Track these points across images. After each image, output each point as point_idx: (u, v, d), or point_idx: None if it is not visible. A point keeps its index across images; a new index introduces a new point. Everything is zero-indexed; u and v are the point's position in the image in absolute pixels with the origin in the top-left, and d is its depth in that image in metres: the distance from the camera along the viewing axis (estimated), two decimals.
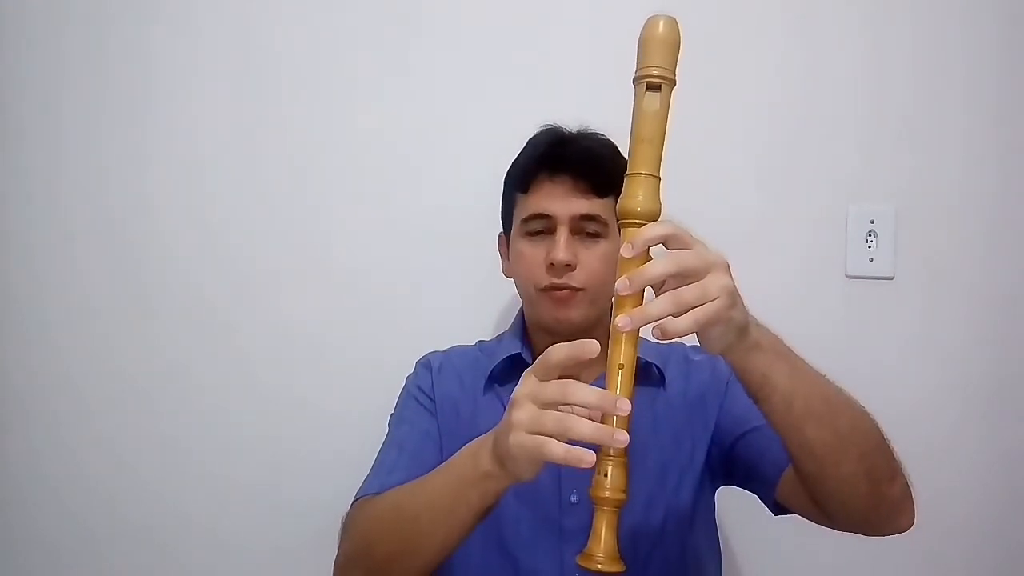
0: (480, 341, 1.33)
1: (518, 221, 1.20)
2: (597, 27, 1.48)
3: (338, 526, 1.08)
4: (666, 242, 0.79)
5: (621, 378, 0.78)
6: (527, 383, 0.80)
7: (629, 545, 0.82)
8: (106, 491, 1.53)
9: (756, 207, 1.47)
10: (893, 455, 0.93)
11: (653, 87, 0.81)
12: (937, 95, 1.45)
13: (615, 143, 1.18)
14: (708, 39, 1.36)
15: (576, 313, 1.15)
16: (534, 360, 0.82)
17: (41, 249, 1.56)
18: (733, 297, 0.78)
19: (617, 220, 0.83)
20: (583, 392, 0.76)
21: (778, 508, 1.08)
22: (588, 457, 0.75)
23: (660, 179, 0.82)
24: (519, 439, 0.78)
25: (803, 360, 0.88)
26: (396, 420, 1.21)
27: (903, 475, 0.94)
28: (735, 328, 0.80)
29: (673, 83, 0.82)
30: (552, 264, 1.13)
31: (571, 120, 1.23)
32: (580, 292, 1.14)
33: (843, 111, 1.46)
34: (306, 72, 1.53)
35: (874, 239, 1.44)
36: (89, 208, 1.55)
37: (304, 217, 1.53)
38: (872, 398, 0.93)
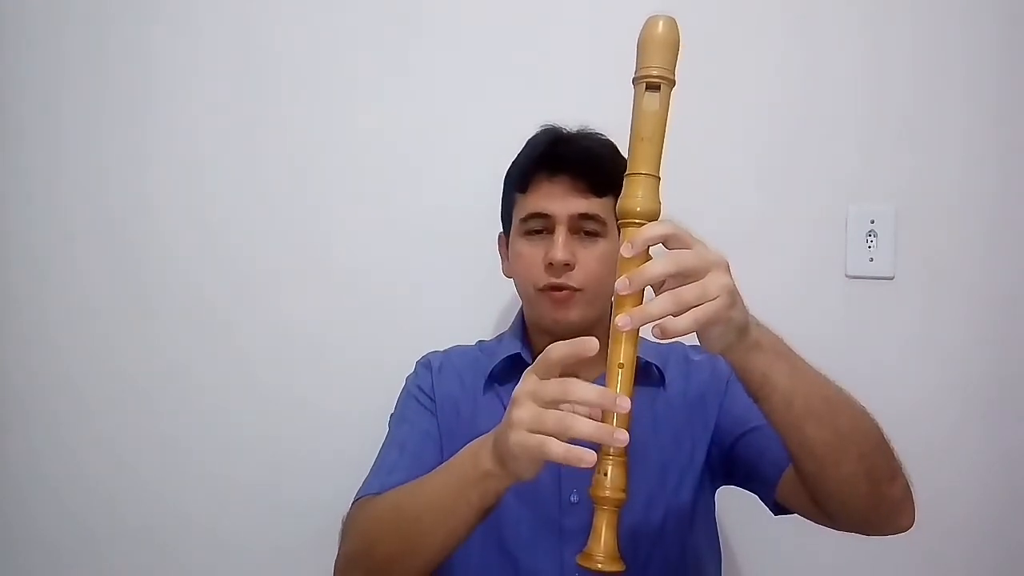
0: (480, 341, 1.33)
1: (517, 221, 1.20)
2: (597, 27, 1.48)
3: (338, 526, 1.08)
4: (666, 242, 0.80)
5: (621, 377, 0.78)
6: (528, 381, 0.80)
7: (629, 545, 0.82)
8: (106, 491, 1.53)
9: (756, 207, 1.47)
10: (893, 455, 0.93)
11: (652, 87, 0.82)
12: (937, 95, 1.45)
13: (614, 143, 1.18)
14: (708, 39, 1.36)
15: (574, 313, 1.15)
16: (534, 360, 0.82)
17: (41, 249, 1.56)
18: (733, 296, 0.78)
19: (617, 220, 0.83)
20: (583, 389, 0.76)
21: (778, 508, 1.08)
22: (588, 456, 0.75)
23: (660, 179, 0.82)
24: (519, 438, 0.78)
25: (803, 360, 0.88)
26: (396, 420, 1.21)
27: (903, 475, 0.94)
28: (735, 327, 0.80)
29: (672, 83, 0.82)
30: (551, 264, 1.13)
31: (571, 120, 1.23)
32: (579, 292, 1.14)
33: (843, 111, 1.46)
34: (306, 72, 1.53)
35: (874, 239, 1.44)
36: (89, 208, 1.55)
37: (304, 217, 1.53)
38: (872, 398, 0.93)
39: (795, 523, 1.06)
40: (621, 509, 0.79)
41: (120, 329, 1.54)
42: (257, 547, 1.51)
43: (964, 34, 1.44)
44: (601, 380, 0.79)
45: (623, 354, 0.78)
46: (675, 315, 0.76)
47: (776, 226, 1.47)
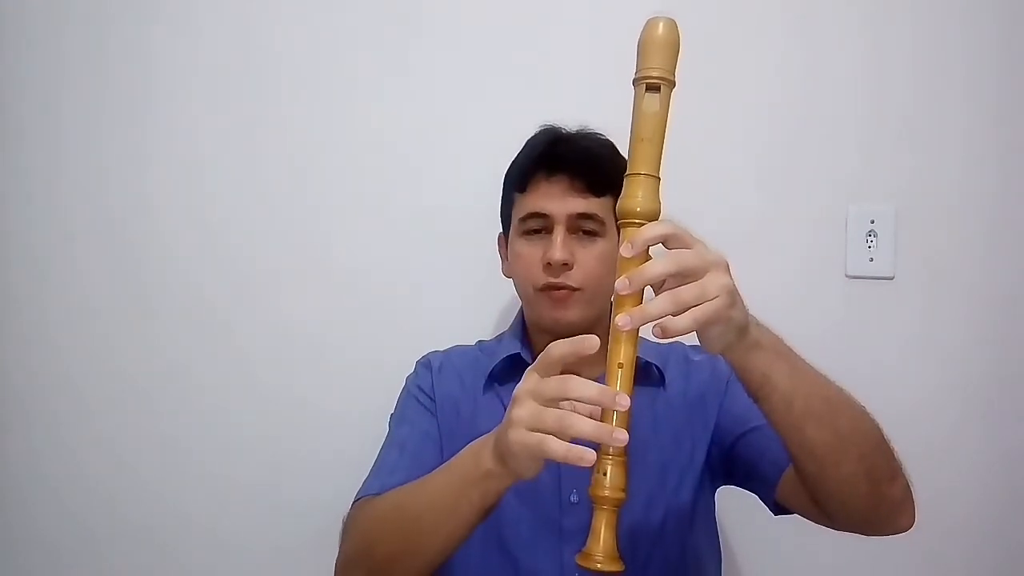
0: (480, 341, 1.33)
1: (516, 220, 1.20)
2: (597, 27, 1.48)
3: (338, 526, 1.08)
4: (666, 242, 0.80)
5: (621, 377, 0.78)
6: (529, 379, 0.80)
7: (629, 545, 0.82)
8: (106, 491, 1.53)
9: (756, 207, 1.47)
10: (893, 455, 0.93)
11: (653, 88, 0.82)
12: (937, 95, 1.45)
13: (614, 143, 1.18)
14: (708, 39, 1.36)
15: (573, 313, 1.15)
16: (533, 360, 0.82)
17: (41, 249, 1.56)
18: (732, 296, 0.79)
19: (617, 220, 0.83)
20: (583, 387, 0.77)
21: (778, 508, 1.08)
22: (588, 455, 0.75)
23: (660, 179, 0.82)
24: (519, 436, 0.78)
25: (803, 360, 0.88)
26: (396, 420, 1.21)
27: (903, 475, 0.94)
28: (735, 327, 0.80)
29: (672, 84, 0.83)
30: (549, 264, 1.13)
31: (571, 120, 1.23)
32: (577, 292, 1.14)
33: (843, 111, 1.46)
34: (306, 72, 1.53)
35: (874, 239, 1.44)
36: (89, 208, 1.55)
37: (304, 217, 1.53)
38: (872, 398, 0.93)
39: (795, 523, 1.06)
40: (620, 509, 0.79)
41: (120, 329, 1.54)
42: (257, 547, 1.51)
43: (964, 34, 1.44)
44: (601, 379, 0.79)
45: (623, 354, 0.79)
46: (674, 315, 0.76)
47: (776, 226, 1.47)
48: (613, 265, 0.81)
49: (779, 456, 1.01)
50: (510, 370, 1.19)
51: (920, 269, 1.44)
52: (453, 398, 1.20)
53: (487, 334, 1.41)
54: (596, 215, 1.15)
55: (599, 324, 1.14)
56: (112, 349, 1.54)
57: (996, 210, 1.44)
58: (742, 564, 1.46)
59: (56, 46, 1.56)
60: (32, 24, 1.56)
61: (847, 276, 1.46)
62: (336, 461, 1.43)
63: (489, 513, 0.88)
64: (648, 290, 0.79)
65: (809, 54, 1.47)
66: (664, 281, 0.79)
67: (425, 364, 1.26)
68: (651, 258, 0.80)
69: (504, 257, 1.27)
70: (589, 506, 0.80)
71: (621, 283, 0.78)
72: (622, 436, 0.76)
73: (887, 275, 1.45)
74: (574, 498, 1.10)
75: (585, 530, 0.80)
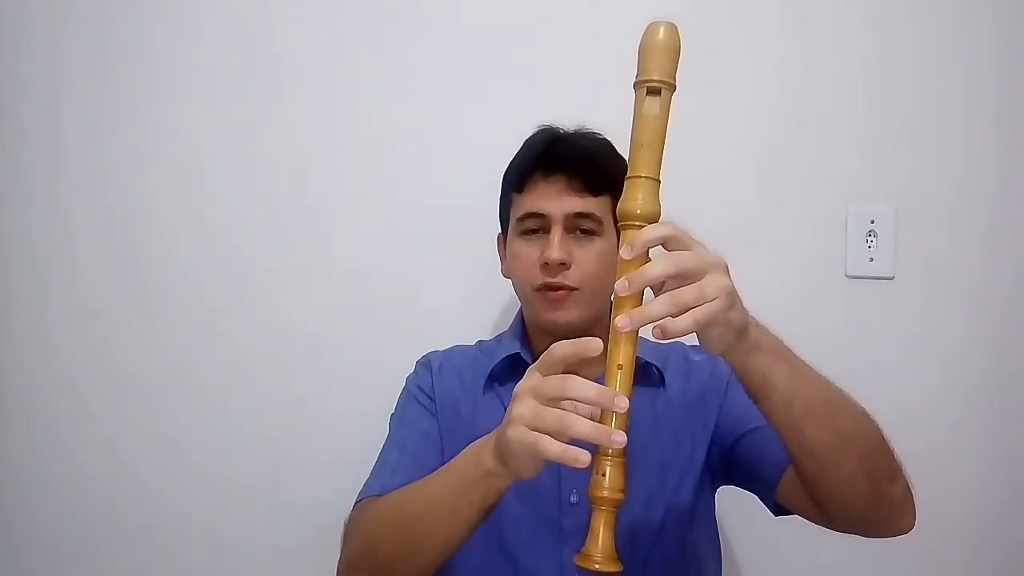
0: (480, 341, 1.33)
1: (514, 221, 1.20)
2: (597, 27, 1.48)
3: (338, 526, 1.08)
4: (665, 243, 0.80)
5: (620, 378, 0.78)
6: (530, 378, 0.81)
7: (629, 544, 0.82)
8: (106, 491, 1.53)
9: (756, 207, 1.47)
10: (893, 456, 0.93)
11: (653, 92, 0.82)
12: (937, 95, 1.45)
13: (611, 142, 1.18)
14: (708, 39, 1.36)
15: (571, 313, 1.15)
16: (533, 360, 0.82)
17: (41, 249, 1.56)
18: (732, 298, 0.79)
19: (617, 222, 0.83)
20: (582, 387, 0.77)
21: (779, 509, 1.08)
22: (583, 457, 0.75)
23: (660, 182, 0.82)
24: (518, 434, 0.78)
25: (803, 361, 0.88)
26: (397, 421, 1.21)
27: (904, 477, 0.94)
28: (734, 329, 0.80)
29: (673, 88, 0.83)
30: (546, 263, 1.13)
31: (571, 120, 1.23)
32: (575, 292, 1.14)
33: (843, 111, 1.46)
34: (306, 72, 1.53)
35: (874, 239, 1.44)
36: (89, 208, 1.55)
37: (304, 217, 1.53)
38: (872, 398, 0.93)
39: (795, 523, 1.06)
40: (619, 510, 0.80)
41: (120, 329, 1.54)
42: (257, 547, 1.51)
43: (964, 34, 1.44)
44: (601, 379, 0.79)
45: (622, 355, 0.79)
46: (674, 316, 0.77)
47: (776, 226, 1.47)
48: (611, 264, 0.81)
49: (779, 457, 1.01)
50: (510, 370, 1.19)
51: (920, 269, 1.44)
52: (453, 398, 1.20)
53: (487, 334, 1.41)
54: (594, 214, 1.15)
55: (598, 324, 1.14)
56: (112, 349, 1.54)
57: (996, 210, 1.43)
58: (742, 564, 1.46)
59: (56, 46, 1.56)
60: (32, 24, 1.56)
61: (847, 276, 1.46)
62: (336, 461, 1.43)
63: (490, 513, 0.88)
64: (648, 292, 0.80)
65: (809, 54, 1.47)
66: (664, 283, 0.79)
67: (425, 364, 1.26)
68: (651, 260, 0.80)
69: (503, 257, 1.27)
70: (589, 506, 0.80)
71: (621, 285, 0.79)
72: (620, 438, 0.76)
73: (887, 275, 1.45)
74: (574, 498, 1.10)
75: (585, 530, 0.80)
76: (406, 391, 1.25)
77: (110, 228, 1.55)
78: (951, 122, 1.44)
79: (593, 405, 0.77)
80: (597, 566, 0.78)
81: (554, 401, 0.78)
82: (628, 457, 0.79)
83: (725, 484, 1.19)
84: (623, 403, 0.77)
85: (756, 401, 0.87)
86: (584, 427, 0.76)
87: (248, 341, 1.53)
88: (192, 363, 1.53)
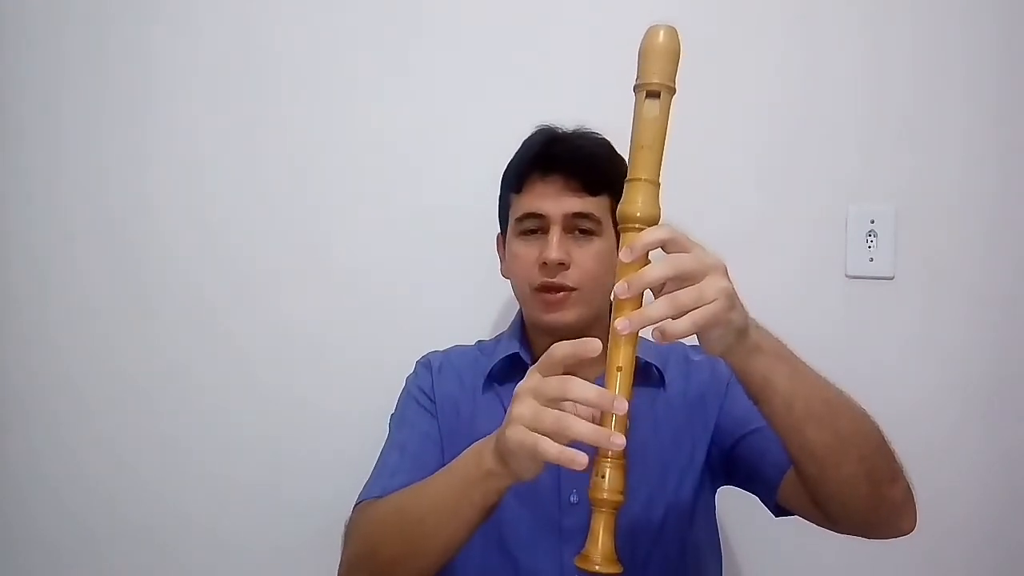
0: (480, 341, 1.33)
1: (512, 221, 1.20)
2: (597, 27, 1.48)
3: (338, 526, 1.08)
4: (664, 246, 0.80)
5: (619, 381, 0.79)
6: (531, 378, 0.81)
7: (629, 544, 0.82)
8: (106, 491, 1.53)
9: (756, 207, 1.47)
10: (894, 457, 0.93)
11: (653, 95, 0.82)
12: (937, 95, 1.44)
13: (610, 142, 1.18)
14: (708, 39, 1.36)
15: (570, 314, 1.15)
16: (532, 360, 0.82)
17: (41, 249, 1.56)
18: (731, 299, 0.79)
19: (617, 225, 0.84)
20: (582, 388, 0.77)
21: (779, 510, 1.08)
22: (580, 459, 0.75)
23: (659, 185, 0.82)
24: (517, 434, 0.78)
25: (803, 362, 0.88)
26: (397, 422, 1.22)
27: (904, 478, 0.94)
28: (734, 330, 0.80)
29: (673, 91, 0.83)
30: (545, 263, 1.13)
31: (571, 120, 1.23)
32: (574, 292, 1.14)
33: (843, 111, 1.46)
34: (306, 72, 1.53)
35: (874, 239, 1.44)
36: (89, 208, 1.55)
37: (304, 217, 1.53)
38: (872, 398, 0.93)
39: (795, 523, 1.06)
40: (619, 511, 0.80)
41: (120, 329, 1.54)
42: (257, 547, 1.51)
43: (964, 34, 1.44)
44: (601, 380, 0.80)
45: (622, 357, 0.79)
46: (674, 318, 0.77)
47: (776, 226, 1.47)
48: (610, 264, 0.81)
49: (780, 458, 1.00)
50: (509, 370, 1.19)
51: (920, 269, 1.44)
52: (453, 398, 1.20)
53: (487, 334, 1.41)
54: (592, 214, 1.15)
55: (597, 323, 1.14)
56: (112, 349, 1.54)
57: (996, 210, 1.43)
58: (742, 564, 1.46)
59: (56, 46, 1.56)
60: (32, 24, 1.56)
61: (847, 276, 1.46)
62: (336, 461, 1.43)
63: (491, 513, 0.88)
64: (648, 294, 0.80)
65: (809, 54, 1.47)
66: (664, 285, 0.79)
67: (425, 364, 1.26)
68: (650, 263, 0.80)
69: (502, 258, 1.27)
70: (589, 506, 0.80)
71: (620, 287, 0.79)
72: (619, 441, 0.76)
73: (887, 275, 1.45)
74: (574, 498, 1.11)
75: (585, 530, 0.80)
76: (406, 391, 1.25)
77: (110, 228, 1.55)
78: (951, 122, 1.44)
79: (593, 407, 0.77)
80: (597, 568, 0.78)
81: (554, 402, 0.78)
82: (628, 458, 0.80)
83: (725, 484, 1.19)
84: (623, 406, 0.77)
85: (756, 403, 0.87)
86: (583, 429, 0.76)
87: (248, 341, 1.53)
88: (192, 363, 1.53)
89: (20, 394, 1.56)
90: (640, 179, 0.82)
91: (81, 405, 1.54)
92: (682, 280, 0.78)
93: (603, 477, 0.78)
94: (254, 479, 1.51)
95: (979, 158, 1.43)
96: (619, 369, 0.79)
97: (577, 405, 0.78)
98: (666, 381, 1.18)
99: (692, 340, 0.82)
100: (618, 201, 0.84)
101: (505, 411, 0.82)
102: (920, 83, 1.45)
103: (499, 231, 1.28)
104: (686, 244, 0.80)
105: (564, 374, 0.80)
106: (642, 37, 0.83)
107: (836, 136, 1.46)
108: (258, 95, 1.54)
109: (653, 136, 0.82)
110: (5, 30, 1.57)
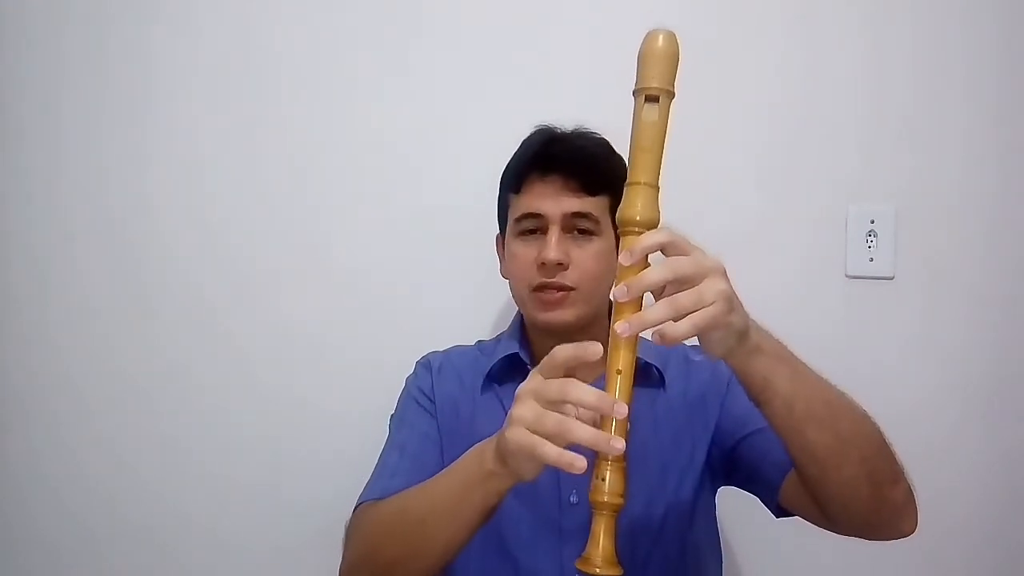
0: (480, 341, 1.33)
1: (511, 221, 1.20)
2: (597, 27, 1.48)
3: (338, 526, 1.09)
4: (664, 249, 0.80)
5: (619, 384, 0.79)
6: (532, 380, 0.81)
7: (629, 544, 0.83)
8: (106, 491, 1.53)
9: (756, 207, 1.47)
10: (895, 458, 0.93)
11: (652, 99, 0.83)
12: (937, 95, 1.44)
13: (609, 142, 1.18)
14: (708, 39, 1.36)
15: (568, 314, 1.14)
16: (531, 360, 0.82)
17: (41, 249, 1.56)
18: (730, 302, 0.79)
19: (617, 228, 0.84)
20: (582, 391, 0.77)
21: (780, 511, 1.08)
22: (579, 463, 0.75)
23: (659, 189, 0.83)
24: (518, 435, 0.78)
25: (804, 364, 0.88)
26: (397, 422, 1.22)
27: (905, 480, 0.94)
28: (735, 332, 0.80)
29: (672, 95, 0.83)
30: (543, 263, 1.13)
31: (570, 121, 1.23)
32: (573, 292, 1.14)
33: (843, 111, 1.46)
34: (306, 72, 1.53)
35: (874, 239, 1.44)
36: (89, 208, 1.55)
37: (304, 217, 1.53)
38: (872, 398, 0.93)
39: (795, 523, 1.06)
40: (619, 514, 0.80)
41: (120, 329, 1.54)
42: (257, 547, 1.51)
43: (964, 34, 1.44)
44: (601, 382, 0.80)
45: (622, 360, 0.79)
46: (673, 321, 0.77)
47: (776, 226, 1.47)
48: (609, 264, 0.82)
49: (781, 459, 1.00)
50: (508, 370, 1.19)
51: (920, 269, 1.44)
52: (453, 398, 1.20)
53: (487, 334, 1.41)
54: (591, 214, 1.15)
55: (596, 323, 1.15)
56: (112, 349, 1.54)
57: (996, 210, 1.43)
58: (742, 564, 1.46)
59: (56, 46, 1.56)
60: (32, 24, 1.56)
61: (847, 276, 1.46)
62: (336, 461, 1.43)
63: (491, 514, 0.88)
64: (648, 297, 0.80)
65: (809, 54, 1.47)
66: (664, 288, 0.79)
67: (425, 365, 1.26)
68: (650, 266, 0.80)
69: (502, 258, 1.27)
70: (588, 507, 0.80)
71: (620, 290, 0.79)
72: (619, 444, 0.76)
73: (887, 275, 1.45)
74: (574, 499, 1.11)
75: (585, 530, 0.80)
76: (406, 392, 1.25)
77: (110, 228, 1.55)
78: (951, 122, 1.44)
79: (593, 411, 0.77)
80: (598, 570, 0.78)
81: (555, 404, 0.78)
82: (628, 459, 0.80)
83: (725, 484, 1.19)
84: (623, 410, 0.77)
85: (757, 404, 0.87)
86: (583, 432, 0.76)
87: (248, 341, 1.53)
88: (192, 363, 1.53)
89: (20, 394, 1.56)
90: (640, 183, 0.82)
91: (81, 405, 1.54)
92: (681, 283, 0.78)
93: (603, 480, 0.79)
94: (254, 479, 1.51)
95: (979, 158, 1.43)
96: (619, 372, 0.79)
97: (578, 408, 0.78)
98: (666, 381, 1.18)
99: (693, 341, 0.82)
100: (617, 201, 0.84)
101: (505, 411, 0.82)
102: (920, 83, 1.45)
103: (499, 231, 1.28)
104: (685, 247, 0.80)
105: (567, 375, 0.80)
106: (641, 41, 0.83)
107: (836, 136, 1.46)
108: (258, 95, 1.54)
109: (652, 140, 0.82)
110: (5, 30, 1.57)
